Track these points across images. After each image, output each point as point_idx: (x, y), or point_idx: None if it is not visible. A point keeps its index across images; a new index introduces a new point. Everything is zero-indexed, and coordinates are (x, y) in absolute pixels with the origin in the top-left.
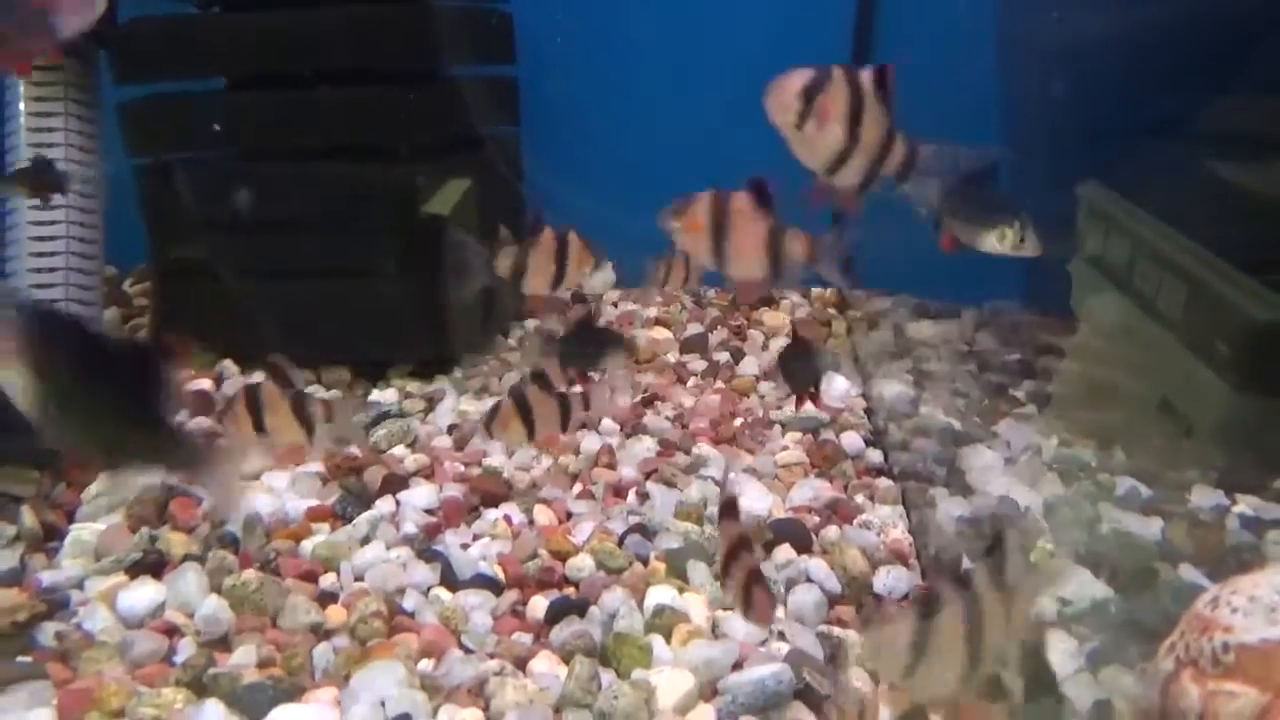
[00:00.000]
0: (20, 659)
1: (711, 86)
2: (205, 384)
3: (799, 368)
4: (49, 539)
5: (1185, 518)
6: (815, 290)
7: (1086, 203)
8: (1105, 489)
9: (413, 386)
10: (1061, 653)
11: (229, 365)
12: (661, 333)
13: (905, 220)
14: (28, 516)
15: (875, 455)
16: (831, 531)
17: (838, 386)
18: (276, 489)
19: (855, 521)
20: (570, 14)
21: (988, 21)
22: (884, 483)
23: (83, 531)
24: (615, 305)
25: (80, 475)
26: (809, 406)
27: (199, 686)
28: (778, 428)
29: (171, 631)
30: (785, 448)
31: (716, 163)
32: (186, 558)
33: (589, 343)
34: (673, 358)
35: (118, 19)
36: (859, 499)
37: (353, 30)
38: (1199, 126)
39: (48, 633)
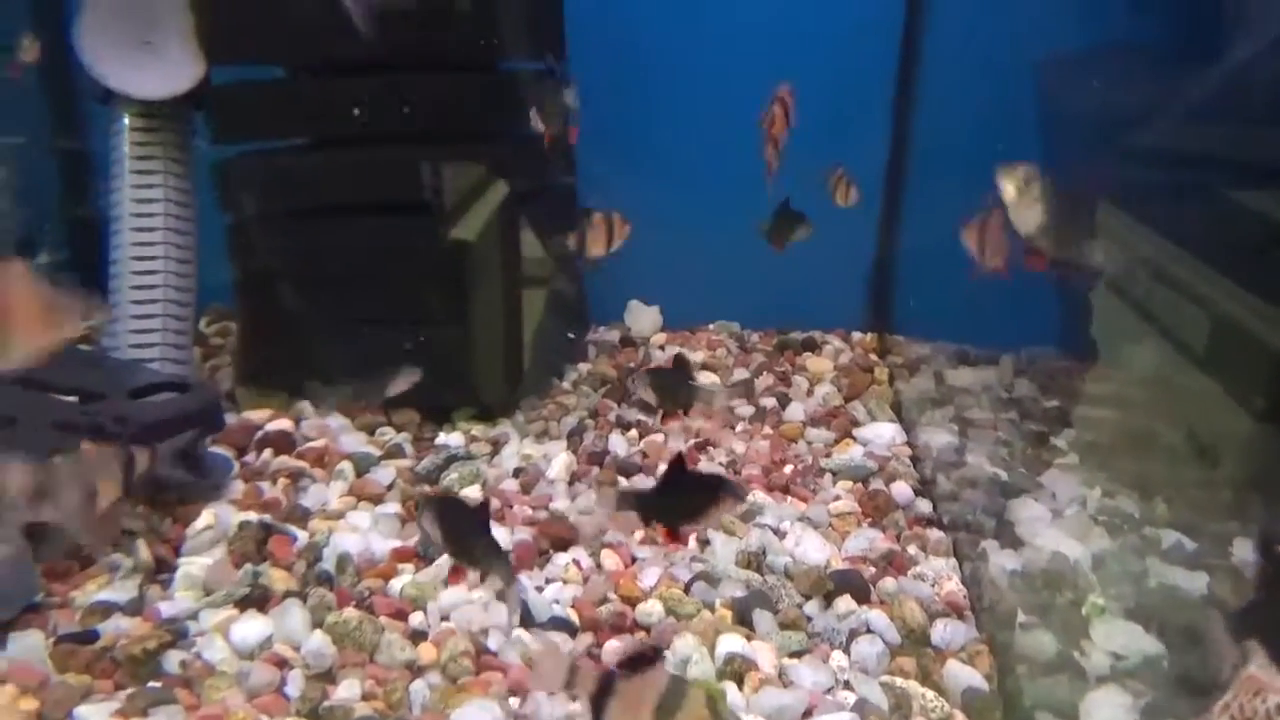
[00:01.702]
0: (151, 684)
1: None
2: (286, 424)
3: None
4: (160, 571)
5: (1229, 572)
6: (856, 335)
7: (1105, 228)
8: (1151, 543)
9: (477, 430)
10: (1116, 707)
11: (306, 407)
12: (709, 377)
13: (942, 266)
14: (143, 550)
15: (925, 505)
16: (889, 583)
17: (884, 434)
18: (361, 528)
19: (910, 573)
20: (620, 73)
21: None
22: (935, 534)
23: (191, 566)
24: (663, 349)
25: (187, 513)
26: (856, 453)
27: (316, 717)
28: (828, 475)
29: (281, 664)
30: (838, 497)
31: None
32: (288, 594)
33: (687, 491)
34: (726, 403)
35: (212, 83)
36: (912, 550)
37: (430, 94)
38: (1225, 155)
39: (173, 661)
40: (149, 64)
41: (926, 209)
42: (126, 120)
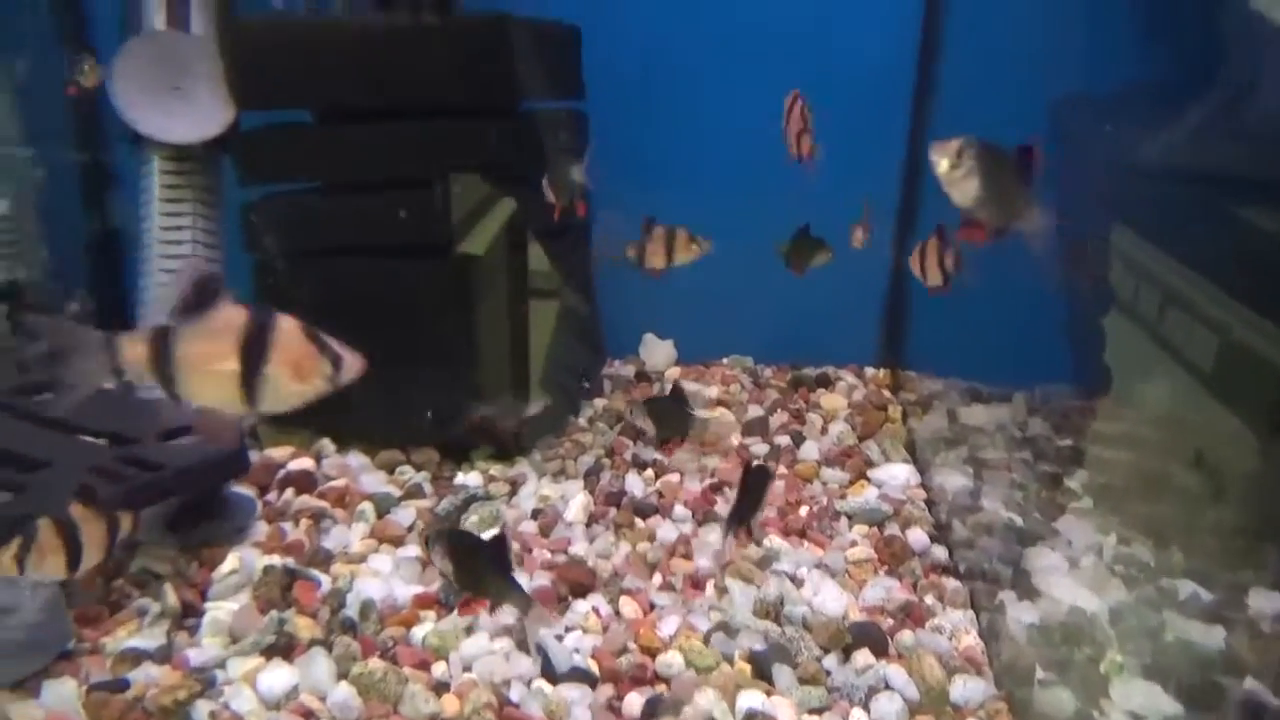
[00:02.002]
0: None
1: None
2: (307, 463)
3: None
4: (187, 616)
5: (1246, 626)
6: (869, 371)
7: (1118, 253)
8: (1167, 594)
9: (495, 469)
10: None
11: (327, 444)
12: (723, 413)
13: (953, 301)
14: (170, 595)
15: (940, 552)
16: (906, 636)
17: (898, 475)
18: (383, 572)
19: (928, 625)
20: (633, 108)
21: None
22: (952, 583)
23: (218, 611)
24: (677, 384)
25: (212, 556)
26: (870, 495)
27: None
28: (844, 519)
29: (307, 715)
30: (854, 543)
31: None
32: (313, 642)
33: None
34: (736, 440)
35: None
36: (929, 600)
37: (454, 139)
38: (1235, 173)
39: (202, 711)
40: (179, 109)
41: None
42: (156, 163)
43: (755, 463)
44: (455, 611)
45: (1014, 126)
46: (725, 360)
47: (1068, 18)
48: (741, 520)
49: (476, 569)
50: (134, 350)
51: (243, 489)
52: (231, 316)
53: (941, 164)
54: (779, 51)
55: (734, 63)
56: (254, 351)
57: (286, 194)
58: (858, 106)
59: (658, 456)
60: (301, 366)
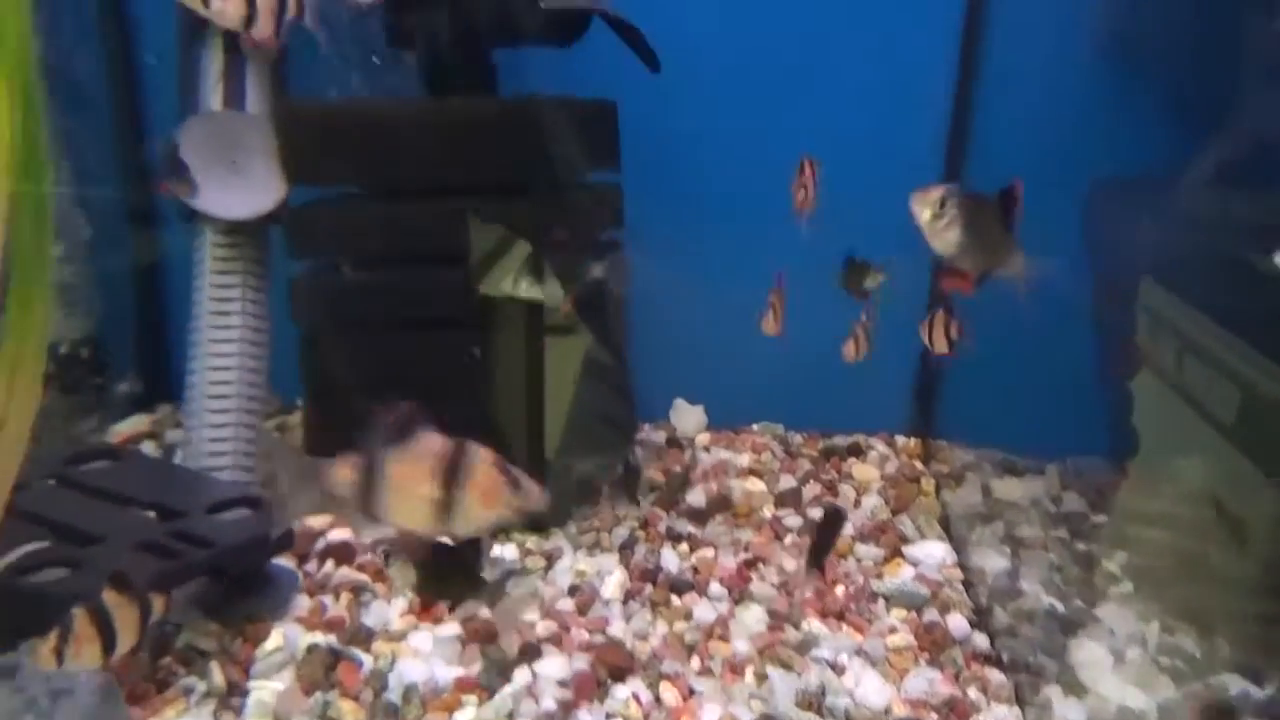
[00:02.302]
0: None
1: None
2: (346, 532)
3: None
4: (232, 694)
5: None
6: (900, 440)
7: (1146, 308)
8: (1218, 693)
9: (531, 542)
10: None
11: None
12: (755, 484)
13: (984, 369)
14: (216, 673)
15: (982, 640)
16: None
17: (934, 554)
18: (423, 652)
19: None
20: (666, 173)
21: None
22: (995, 675)
23: (262, 691)
24: (708, 450)
25: (256, 632)
26: (907, 575)
27: None
28: (881, 601)
29: None
30: (893, 628)
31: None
32: None
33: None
34: (768, 512)
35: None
36: (973, 694)
37: (495, 216)
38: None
39: None
40: (234, 185)
41: (967, 312)
42: (209, 236)
43: (830, 504)
44: (498, 698)
45: (1047, 202)
46: (755, 427)
47: (1104, 99)
48: (818, 559)
49: (440, 572)
50: (342, 475)
51: (284, 560)
52: (432, 445)
53: (924, 214)
54: (810, 121)
55: (765, 124)
56: (451, 479)
57: (332, 267)
58: (891, 175)
59: (692, 530)
60: (492, 495)
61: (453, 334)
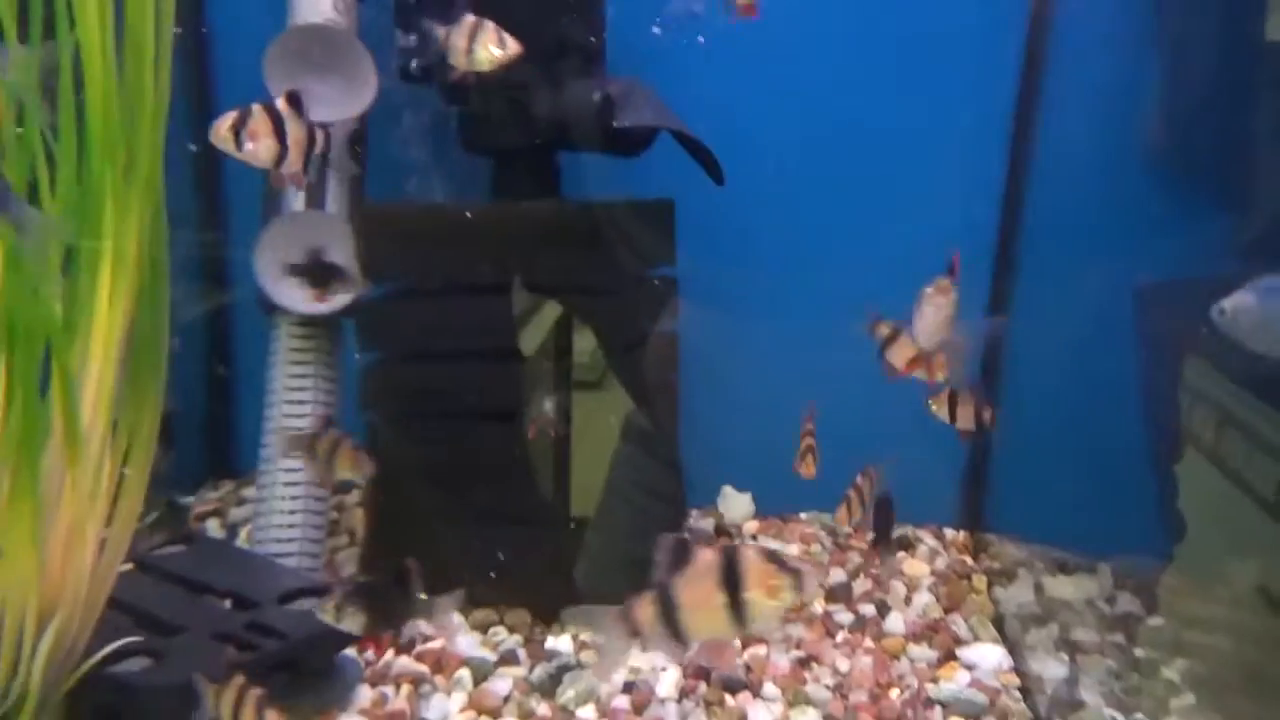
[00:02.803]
0: None
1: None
2: None
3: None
4: None
5: None
6: (948, 532)
7: (1189, 387)
8: None
9: (586, 634)
10: None
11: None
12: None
13: (1036, 460)
14: None
15: None
16: None
17: (989, 658)
18: None
19: None
20: (716, 271)
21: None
22: None
23: None
24: (755, 538)
25: None
26: (962, 680)
27: None
28: (938, 708)
29: None
30: None
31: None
32: None
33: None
34: (819, 607)
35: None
36: None
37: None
38: None
39: None
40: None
41: (1020, 404)
42: (285, 328)
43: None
44: None
45: (1096, 307)
46: (803, 515)
47: (1154, 199)
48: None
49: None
50: (644, 613)
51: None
52: (708, 562)
53: (935, 313)
54: (861, 229)
55: (815, 231)
56: (734, 586)
57: (399, 359)
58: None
59: None
60: (771, 588)
61: (507, 425)
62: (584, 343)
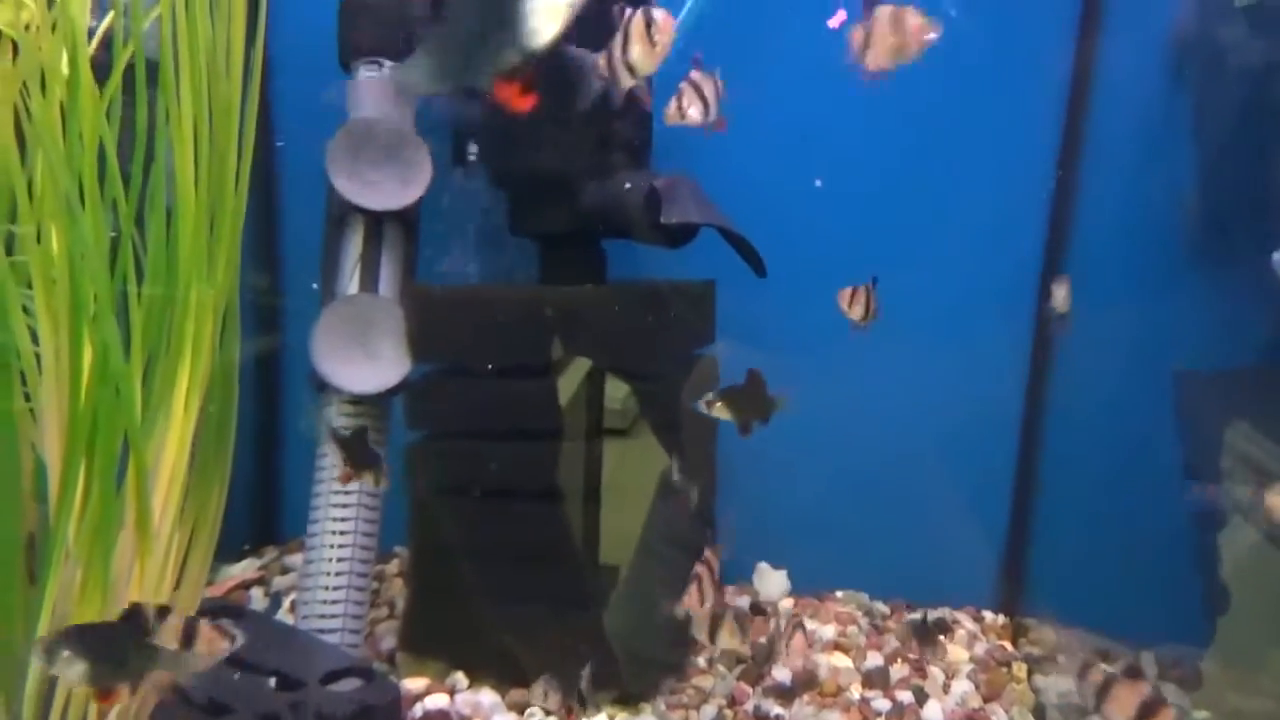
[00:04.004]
0: None
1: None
2: (443, 700)
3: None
4: None
5: None
6: (987, 615)
7: (1231, 450)
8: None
9: (621, 716)
10: None
11: (460, 678)
12: (842, 660)
13: (1074, 541)
14: None
15: None
16: None
17: None
18: None
19: None
20: (757, 353)
21: None
22: None
23: None
24: (795, 618)
25: None
26: None
27: None
28: None
29: None
30: None
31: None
32: None
33: None
34: (856, 692)
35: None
36: None
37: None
38: None
39: None
40: (363, 362)
41: (1060, 487)
42: (335, 406)
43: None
44: None
45: (1136, 391)
46: (839, 594)
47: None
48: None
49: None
50: None
51: None
52: None
53: None
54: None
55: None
56: None
57: (444, 438)
58: (975, 376)
59: (779, 711)
60: None
61: (550, 505)
62: (615, 390)
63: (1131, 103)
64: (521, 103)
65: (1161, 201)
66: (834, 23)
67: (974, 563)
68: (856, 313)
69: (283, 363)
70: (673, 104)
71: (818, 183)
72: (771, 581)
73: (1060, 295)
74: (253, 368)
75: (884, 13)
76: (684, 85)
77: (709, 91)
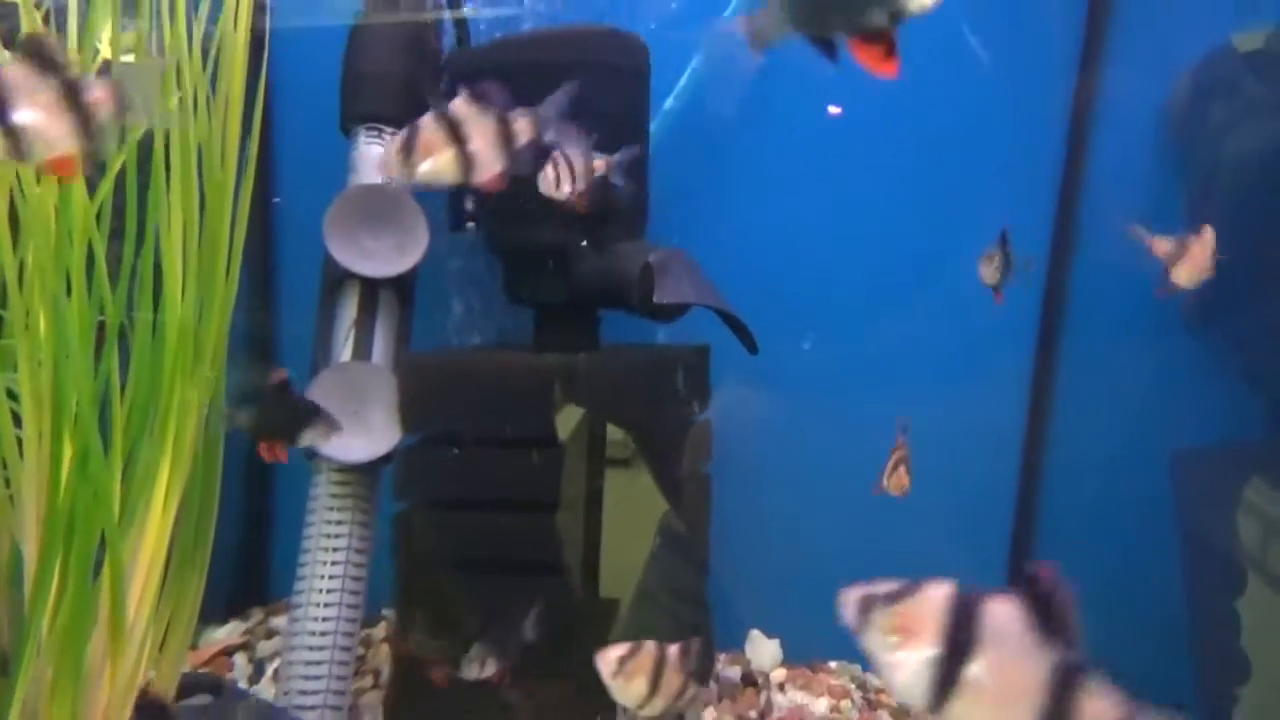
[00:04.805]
0: None
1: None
2: None
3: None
4: None
5: None
6: None
7: (1249, 508)
8: None
9: None
10: None
11: None
12: None
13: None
14: None
15: None
16: None
17: None
18: None
19: None
20: (748, 418)
21: None
22: None
23: None
24: (783, 688)
25: None
26: None
27: None
28: None
29: None
30: None
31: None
32: None
33: None
34: None
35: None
36: None
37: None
38: None
39: None
40: (354, 431)
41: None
42: (325, 474)
43: None
44: None
45: (1132, 474)
46: (833, 665)
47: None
48: None
49: None
50: None
51: None
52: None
53: None
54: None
55: (852, 406)
56: None
57: (433, 508)
58: (970, 449)
59: None
60: None
61: (548, 580)
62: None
63: (1131, 173)
64: (886, 67)
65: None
66: (834, 111)
67: None
68: (990, 275)
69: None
70: (547, 173)
71: (805, 346)
72: (764, 650)
73: (988, 270)
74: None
75: None
76: (556, 156)
77: (578, 166)
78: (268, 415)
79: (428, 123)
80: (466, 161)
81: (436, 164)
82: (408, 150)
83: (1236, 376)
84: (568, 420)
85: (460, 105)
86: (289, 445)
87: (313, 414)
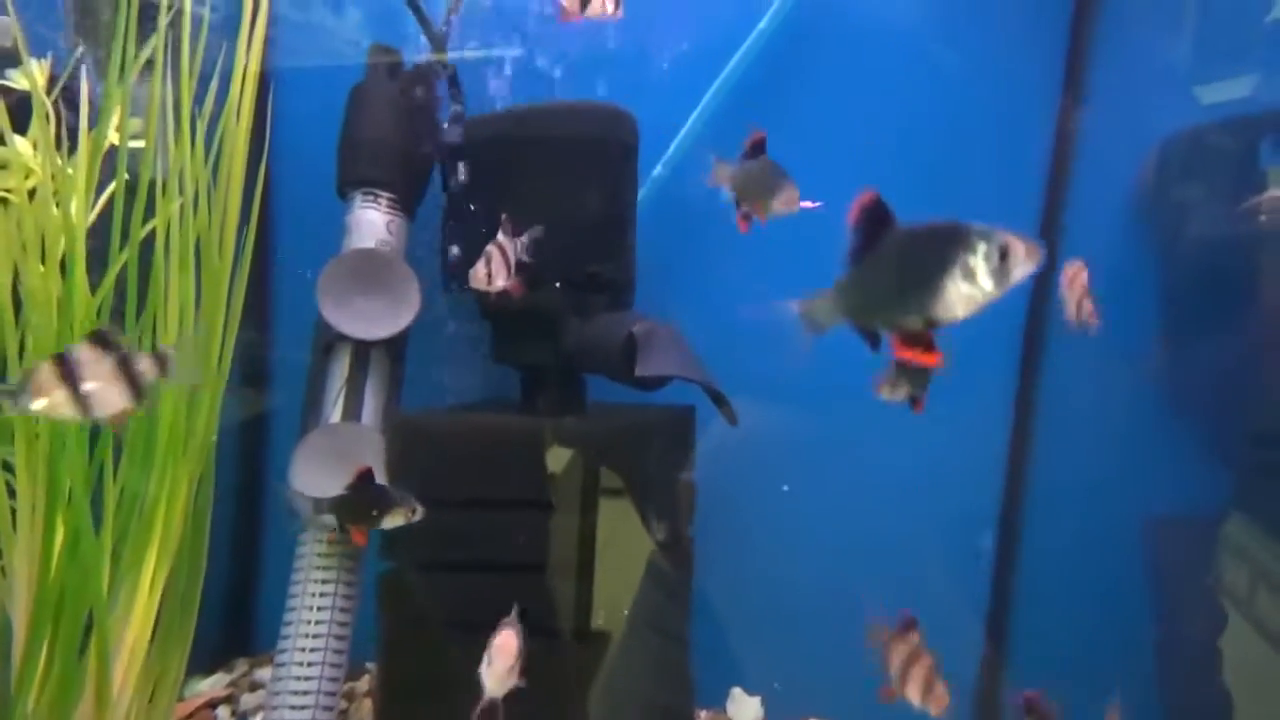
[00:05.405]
0: None
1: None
2: None
3: None
4: None
5: None
6: None
7: (1229, 545)
8: None
9: None
10: None
11: None
12: None
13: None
14: None
15: None
16: None
17: None
18: None
19: None
20: (732, 478)
21: None
22: None
23: None
24: None
25: None
26: None
27: None
28: None
29: None
30: None
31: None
32: None
33: None
34: None
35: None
36: None
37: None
38: None
39: None
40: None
41: (1032, 634)
42: (313, 533)
43: None
44: None
45: (1107, 543)
46: None
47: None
48: None
49: None
50: None
51: None
52: None
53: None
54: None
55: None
56: None
57: (419, 570)
58: (948, 515)
59: None
60: None
61: (542, 640)
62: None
63: (1104, 258)
64: (928, 360)
65: (1132, 351)
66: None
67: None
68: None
69: (262, 471)
70: (480, 268)
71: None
72: (745, 708)
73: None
74: (231, 473)
75: None
76: (491, 249)
77: (509, 255)
78: (353, 504)
79: None
80: None
81: None
82: None
83: (1209, 450)
84: (556, 480)
85: None
86: (371, 529)
87: (392, 500)
